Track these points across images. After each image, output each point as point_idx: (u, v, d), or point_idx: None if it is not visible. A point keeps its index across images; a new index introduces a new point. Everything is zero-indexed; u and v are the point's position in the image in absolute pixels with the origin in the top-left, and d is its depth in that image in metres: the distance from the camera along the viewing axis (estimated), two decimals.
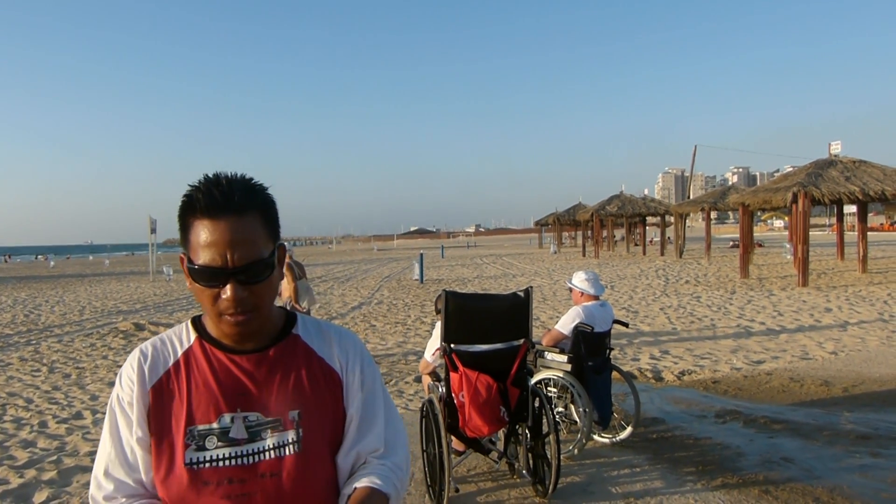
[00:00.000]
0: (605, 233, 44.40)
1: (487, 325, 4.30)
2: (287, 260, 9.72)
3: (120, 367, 9.22)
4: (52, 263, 62.27)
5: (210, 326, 1.46)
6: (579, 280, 5.52)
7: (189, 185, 1.36)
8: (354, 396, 1.50)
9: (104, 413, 7.18)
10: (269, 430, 1.39)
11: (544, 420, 4.33)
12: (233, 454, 1.37)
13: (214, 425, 1.37)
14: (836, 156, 20.09)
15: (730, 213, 40.14)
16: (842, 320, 11.65)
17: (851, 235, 29.68)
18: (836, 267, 22.58)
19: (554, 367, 5.31)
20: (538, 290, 18.86)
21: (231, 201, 1.32)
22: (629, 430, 5.40)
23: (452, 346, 4.22)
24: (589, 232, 41.72)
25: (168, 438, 1.37)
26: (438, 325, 4.45)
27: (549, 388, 5.32)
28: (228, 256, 1.30)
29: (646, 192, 50.24)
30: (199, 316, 1.51)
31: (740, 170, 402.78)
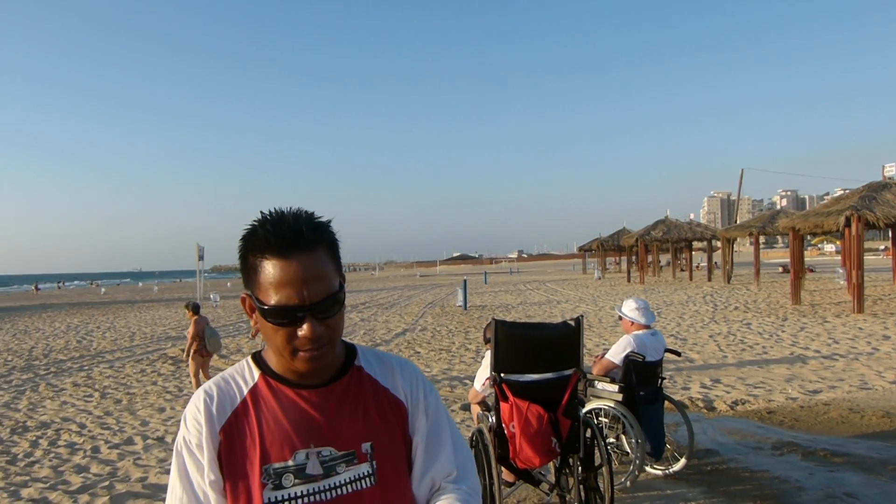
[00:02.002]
0: (650, 258, 43.90)
1: (538, 355, 4.25)
2: None
3: (169, 392, 9.39)
4: (103, 290, 63.89)
5: (274, 362, 1.45)
6: (629, 309, 5.44)
7: (250, 224, 1.36)
8: (420, 423, 1.50)
9: (154, 439, 7.32)
10: (343, 465, 1.38)
11: (596, 451, 4.25)
12: (311, 490, 1.35)
13: (290, 462, 1.36)
14: (890, 178, 19.62)
15: (778, 237, 39.34)
16: None
17: None
18: (892, 293, 21.91)
19: (605, 397, 5.22)
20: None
21: (301, 239, 1.32)
22: (683, 461, 5.28)
23: (502, 375, 4.17)
24: (634, 257, 41.27)
25: (243, 479, 1.36)
26: (488, 354, 4.42)
27: (599, 419, 5.23)
28: (305, 293, 1.30)
29: (691, 216, 49.63)
30: (259, 352, 1.50)
31: (788, 193, 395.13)
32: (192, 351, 9.31)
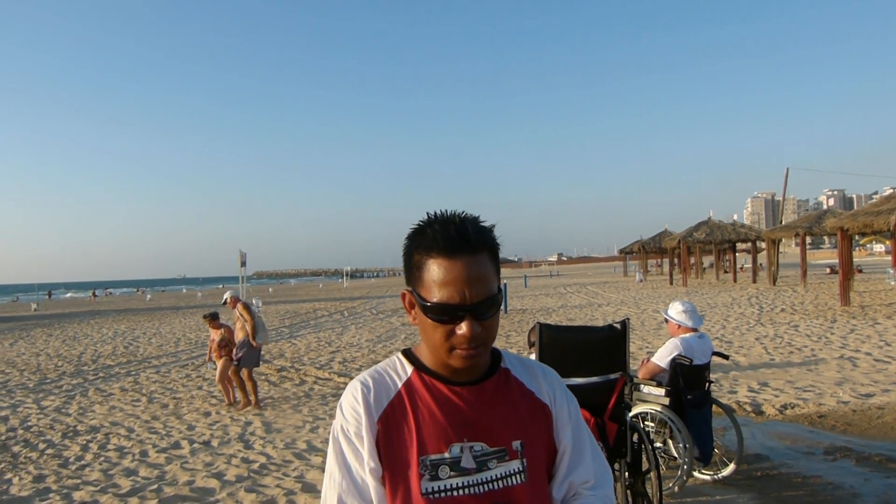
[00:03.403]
0: (692, 260, 43.29)
1: (583, 358, 4.21)
2: (242, 300, 9.78)
3: (214, 397, 9.49)
4: (148, 297, 65.24)
5: (427, 358, 1.48)
6: (676, 311, 5.35)
7: (417, 224, 1.42)
8: (565, 428, 1.53)
9: (200, 443, 7.42)
10: (495, 460, 1.41)
11: (643, 456, 4.19)
12: (465, 483, 1.38)
13: (446, 455, 1.39)
14: None
15: (825, 237, 38.38)
16: None
17: None
18: None
19: (651, 401, 5.15)
20: None
21: (467, 240, 1.35)
22: (732, 466, 5.18)
23: None
24: (676, 259, 40.73)
25: (401, 469, 1.39)
26: (532, 357, 4.38)
27: (646, 423, 5.15)
28: (466, 293, 1.33)
29: (735, 217, 48.66)
30: (410, 348, 1.54)
31: (835, 192, 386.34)
32: (223, 355, 9.51)
